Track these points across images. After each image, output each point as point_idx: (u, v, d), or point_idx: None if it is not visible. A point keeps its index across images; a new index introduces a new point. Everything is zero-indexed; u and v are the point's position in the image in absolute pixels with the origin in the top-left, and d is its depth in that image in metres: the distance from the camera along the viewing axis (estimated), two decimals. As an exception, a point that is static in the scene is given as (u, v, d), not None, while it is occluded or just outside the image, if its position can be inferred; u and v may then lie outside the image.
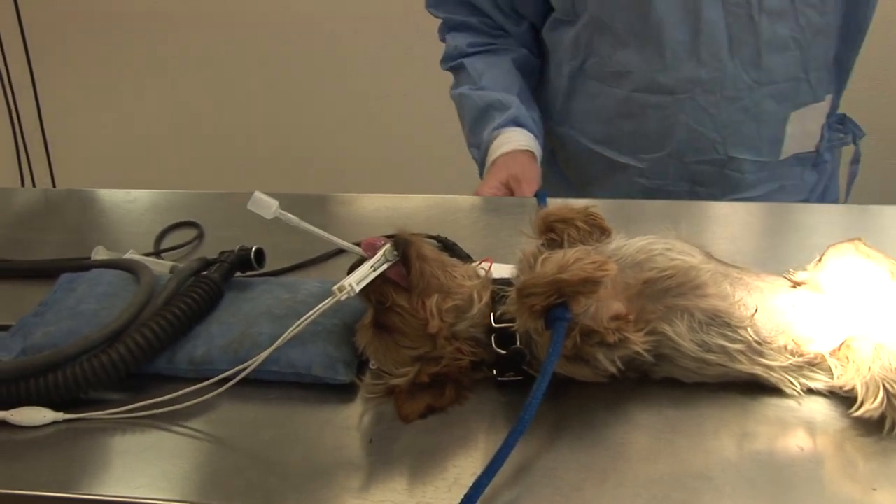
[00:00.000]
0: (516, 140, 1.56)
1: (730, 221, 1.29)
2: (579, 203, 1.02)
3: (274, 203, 0.91)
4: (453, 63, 1.70)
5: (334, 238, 0.96)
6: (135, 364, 0.93)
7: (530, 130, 1.59)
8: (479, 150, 1.60)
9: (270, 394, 0.94)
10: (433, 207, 1.34)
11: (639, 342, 0.84)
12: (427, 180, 3.07)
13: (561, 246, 0.93)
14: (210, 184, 3.13)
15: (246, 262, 1.06)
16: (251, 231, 1.14)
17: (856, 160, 1.70)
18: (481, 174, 1.58)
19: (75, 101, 3.33)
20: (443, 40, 1.74)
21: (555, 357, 0.81)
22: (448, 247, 1.16)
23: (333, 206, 1.41)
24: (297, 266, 1.17)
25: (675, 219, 1.09)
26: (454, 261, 0.95)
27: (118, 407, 0.92)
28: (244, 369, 0.89)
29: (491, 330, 0.90)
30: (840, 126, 1.66)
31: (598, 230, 0.96)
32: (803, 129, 1.57)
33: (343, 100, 3.17)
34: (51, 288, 1.10)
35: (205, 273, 1.04)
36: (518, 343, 0.88)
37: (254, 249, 1.07)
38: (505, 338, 0.89)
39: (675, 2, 1.45)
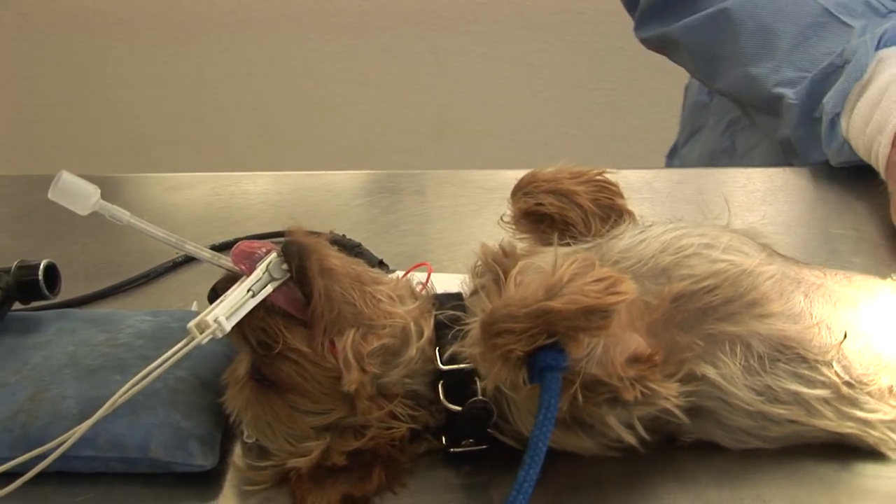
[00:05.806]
0: None
1: (776, 195, 1.06)
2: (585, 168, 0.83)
3: (94, 190, 0.72)
4: None
5: (188, 244, 0.73)
6: None
7: None
8: (817, 80, 1.08)
9: (82, 493, 0.76)
10: (306, 190, 1.14)
11: (671, 395, 0.68)
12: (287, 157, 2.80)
13: (547, 236, 0.77)
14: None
15: (30, 286, 0.89)
16: (28, 236, 1.02)
17: None
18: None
19: None
20: None
21: (549, 425, 0.66)
22: (349, 250, 0.97)
23: (150, 189, 1.17)
24: (112, 290, 0.99)
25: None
26: (375, 273, 0.77)
27: None
28: (40, 457, 0.73)
29: (438, 376, 0.74)
30: None
31: (614, 213, 0.79)
32: None
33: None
34: None
35: (-38, 307, 0.87)
36: (479, 394, 0.73)
37: (42, 265, 0.89)
38: (458, 387, 0.73)
39: None
